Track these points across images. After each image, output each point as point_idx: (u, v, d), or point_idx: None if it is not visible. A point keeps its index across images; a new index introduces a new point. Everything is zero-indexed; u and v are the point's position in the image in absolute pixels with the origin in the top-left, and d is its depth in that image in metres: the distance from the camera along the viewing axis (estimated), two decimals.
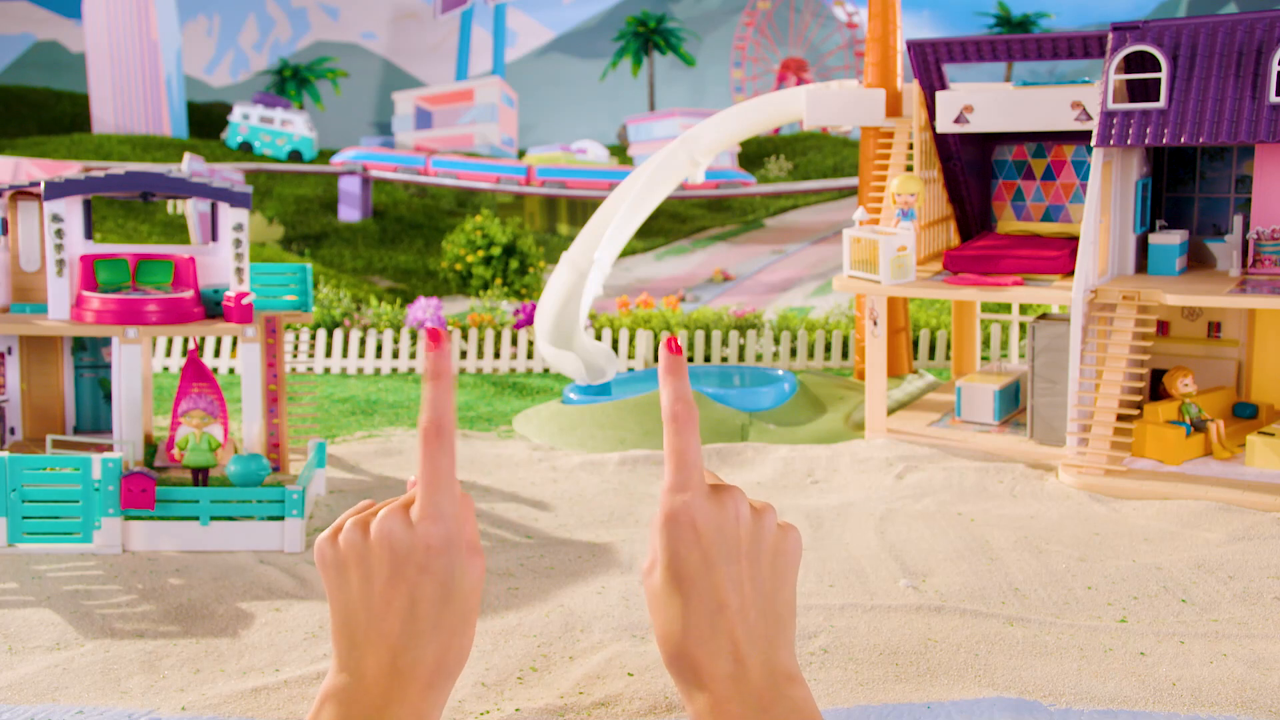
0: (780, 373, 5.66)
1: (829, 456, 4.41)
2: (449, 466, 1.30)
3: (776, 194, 14.21)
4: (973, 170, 5.13)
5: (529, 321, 6.84)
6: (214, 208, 3.97)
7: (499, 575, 3.17)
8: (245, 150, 15.11)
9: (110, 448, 3.70)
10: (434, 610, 1.29)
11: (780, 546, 1.30)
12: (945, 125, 4.85)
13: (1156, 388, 4.41)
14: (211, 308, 3.95)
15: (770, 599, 1.28)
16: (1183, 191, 4.76)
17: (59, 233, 3.79)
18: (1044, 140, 5.08)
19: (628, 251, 12.00)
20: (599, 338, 6.68)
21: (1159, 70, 4.09)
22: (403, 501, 1.34)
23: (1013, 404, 4.86)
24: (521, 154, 15.37)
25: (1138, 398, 4.21)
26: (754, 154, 15.42)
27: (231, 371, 6.45)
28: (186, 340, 6.33)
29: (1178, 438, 4.05)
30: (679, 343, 1.31)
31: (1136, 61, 4.16)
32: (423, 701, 1.28)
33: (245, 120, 15.16)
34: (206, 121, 16.99)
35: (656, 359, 6.73)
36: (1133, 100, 4.22)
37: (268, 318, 3.97)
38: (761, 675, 1.24)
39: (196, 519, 3.37)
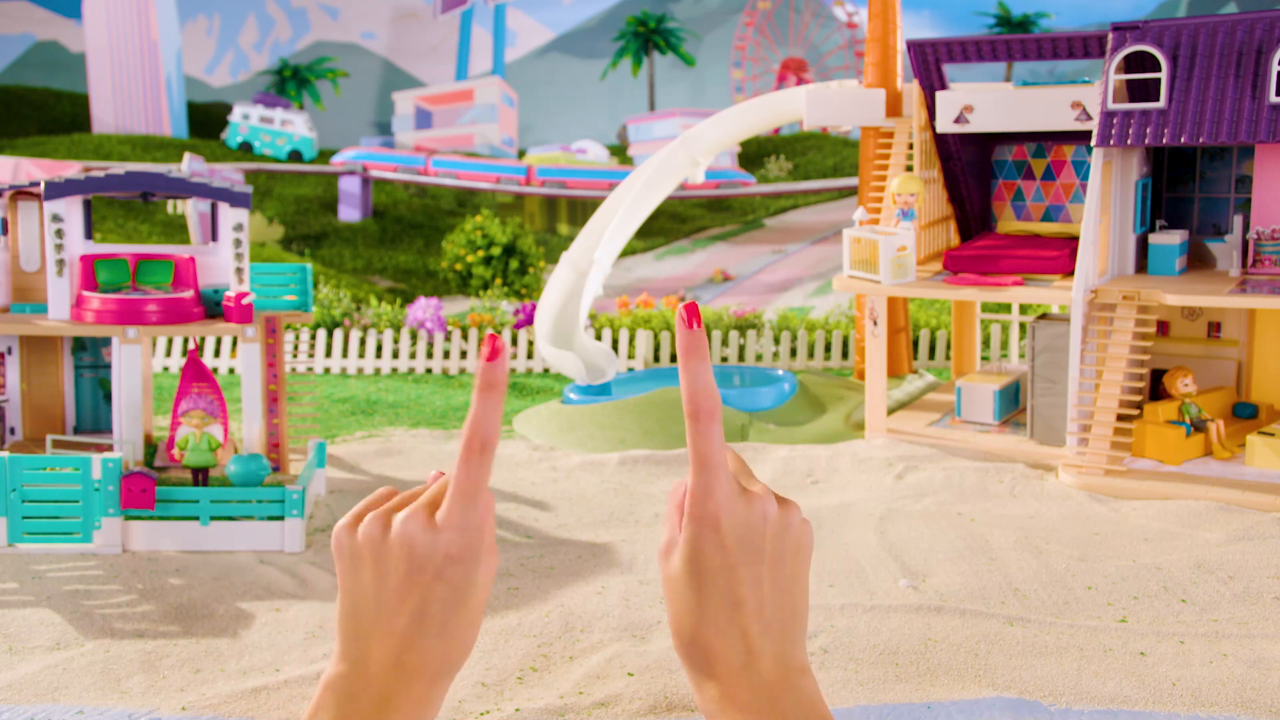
0: (780, 373, 5.66)
1: (829, 456, 4.41)
2: (483, 479, 1.27)
3: (776, 194, 14.21)
4: (973, 170, 5.13)
5: (529, 321, 6.84)
6: (214, 208, 3.97)
7: (499, 575, 3.17)
8: (245, 150, 15.11)
9: (110, 448, 3.70)
10: (444, 614, 1.28)
11: (800, 542, 1.29)
12: (945, 125, 4.85)
13: (1156, 388, 4.41)
14: (211, 308, 3.94)
15: (788, 594, 1.28)
16: (1183, 191, 4.76)
17: (59, 233, 3.79)
18: (1044, 140, 5.08)
19: (628, 251, 12.00)
20: (599, 338, 6.68)
21: (1159, 70, 4.09)
22: (427, 500, 1.31)
23: (1013, 404, 4.86)
24: (521, 154, 15.37)
25: (1138, 398, 4.21)
26: (754, 154, 15.42)
27: (231, 371, 6.45)
28: (186, 340, 6.33)
29: (1178, 438, 4.05)
30: (698, 310, 1.15)
31: (1136, 61, 4.16)
32: (426, 694, 1.28)
33: (245, 120, 15.16)
34: (206, 121, 16.99)
35: (656, 359, 6.72)
36: (1133, 100, 4.22)
37: (268, 318, 3.97)
38: (773, 667, 1.24)
39: (196, 519, 3.37)
